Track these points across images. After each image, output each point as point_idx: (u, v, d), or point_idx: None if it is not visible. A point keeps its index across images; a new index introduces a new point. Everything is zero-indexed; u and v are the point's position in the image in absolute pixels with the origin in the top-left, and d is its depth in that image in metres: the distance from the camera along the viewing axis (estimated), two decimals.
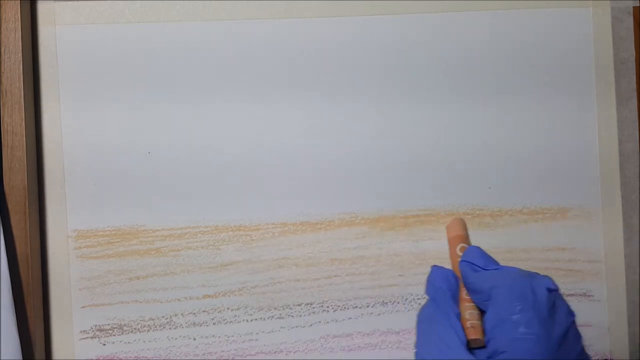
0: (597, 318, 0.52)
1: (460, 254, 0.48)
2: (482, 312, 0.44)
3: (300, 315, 0.51)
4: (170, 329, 0.51)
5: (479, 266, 0.46)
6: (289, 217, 0.52)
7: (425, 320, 0.44)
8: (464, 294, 0.46)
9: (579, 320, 0.51)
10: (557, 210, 0.52)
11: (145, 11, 0.52)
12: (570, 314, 0.42)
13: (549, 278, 0.43)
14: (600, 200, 0.52)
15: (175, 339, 0.51)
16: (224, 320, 0.51)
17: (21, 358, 0.46)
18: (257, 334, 0.51)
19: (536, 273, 0.44)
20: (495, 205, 0.52)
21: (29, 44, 0.50)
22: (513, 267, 0.46)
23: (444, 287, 0.45)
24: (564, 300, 0.43)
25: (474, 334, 0.43)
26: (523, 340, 0.39)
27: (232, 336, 0.51)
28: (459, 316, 0.44)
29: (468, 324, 0.43)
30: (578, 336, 0.42)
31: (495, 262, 0.47)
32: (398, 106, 0.52)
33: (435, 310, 0.44)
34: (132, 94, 0.51)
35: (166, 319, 0.51)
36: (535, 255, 0.52)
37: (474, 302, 0.45)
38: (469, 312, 0.44)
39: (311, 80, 0.52)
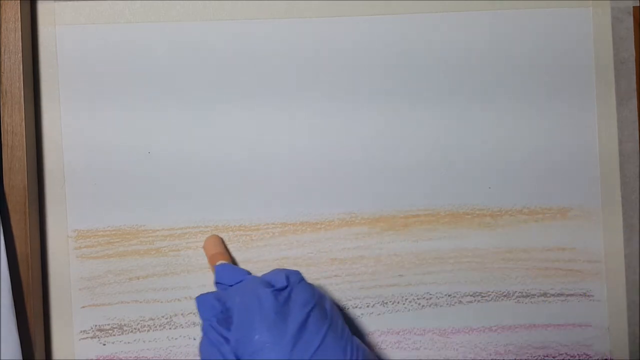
0: (597, 318, 0.52)
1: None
2: None
3: None
4: (170, 329, 0.51)
5: (226, 284, 0.45)
6: (289, 217, 0.52)
7: (204, 357, 0.42)
8: None
9: (579, 320, 0.51)
10: (557, 210, 0.52)
11: (145, 11, 0.52)
12: (307, 303, 0.41)
13: (286, 273, 0.43)
14: (600, 200, 0.52)
15: (175, 339, 0.51)
16: None
17: (21, 358, 0.46)
18: None
19: (279, 271, 0.44)
20: (495, 205, 0.52)
21: (29, 44, 0.50)
22: (250, 277, 0.45)
23: (209, 316, 0.43)
24: (304, 290, 0.42)
25: None
26: (260, 351, 0.39)
27: None
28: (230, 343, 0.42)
29: None
30: (321, 320, 0.41)
31: (242, 275, 0.45)
32: (398, 106, 0.52)
33: (207, 344, 0.42)
34: (132, 93, 0.51)
35: (166, 319, 0.51)
36: (535, 255, 0.52)
37: None
38: None
39: (312, 80, 0.52)
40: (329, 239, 0.52)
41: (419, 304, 0.52)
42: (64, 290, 0.51)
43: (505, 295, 0.52)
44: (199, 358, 0.43)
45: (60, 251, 0.51)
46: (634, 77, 0.52)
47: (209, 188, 0.51)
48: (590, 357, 0.52)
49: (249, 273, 0.47)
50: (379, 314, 0.52)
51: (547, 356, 0.52)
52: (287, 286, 0.42)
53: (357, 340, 0.42)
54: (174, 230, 0.51)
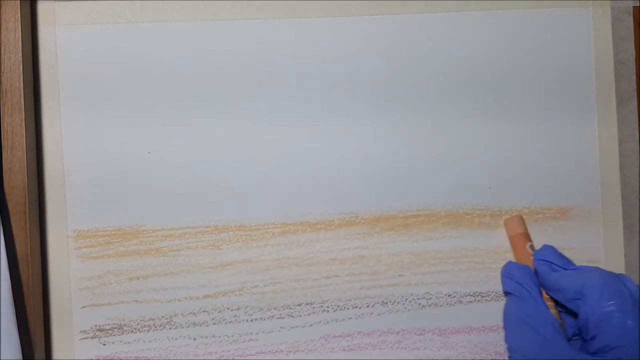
0: None
1: (532, 252, 0.49)
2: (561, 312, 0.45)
3: (300, 315, 0.51)
4: (170, 329, 0.51)
5: (558, 265, 0.46)
6: (289, 217, 0.52)
7: (518, 320, 0.45)
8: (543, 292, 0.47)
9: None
10: (557, 210, 0.52)
11: (145, 11, 0.52)
12: None
13: (629, 277, 0.45)
14: (600, 200, 0.52)
15: (175, 339, 0.51)
16: (224, 320, 0.51)
17: (21, 358, 0.46)
18: (257, 334, 0.51)
19: (612, 272, 0.45)
20: (495, 205, 0.52)
21: (29, 44, 0.50)
22: (593, 267, 0.46)
23: (530, 284, 0.46)
24: None
25: None
26: (633, 334, 0.40)
27: (232, 336, 0.51)
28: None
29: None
30: None
31: (572, 262, 0.47)
32: (398, 106, 0.52)
33: (527, 308, 0.44)
34: (133, 93, 0.51)
35: (166, 319, 0.51)
36: None
37: (552, 302, 0.46)
38: (551, 311, 0.46)
39: (312, 80, 0.52)
40: (329, 239, 0.52)
41: (419, 304, 0.52)
42: (64, 290, 0.51)
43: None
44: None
45: (60, 251, 0.51)
46: (634, 77, 0.52)
47: (208, 188, 0.51)
48: None
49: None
50: (379, 314, 0.52)
51: None
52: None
53: None
54: (174, 230, 0.51)
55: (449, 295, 0.52)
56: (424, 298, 0.52)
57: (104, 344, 0.51)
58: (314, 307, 0.51)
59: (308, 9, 0.52)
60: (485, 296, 0.52)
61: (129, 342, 0.51)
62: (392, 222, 0.52)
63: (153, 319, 0.51)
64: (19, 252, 0.48)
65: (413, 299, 0.52)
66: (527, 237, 0.50)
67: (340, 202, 0.52)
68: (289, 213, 0.52)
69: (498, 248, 0.52)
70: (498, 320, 0.52)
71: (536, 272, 0.48)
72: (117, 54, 0.51)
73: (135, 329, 0.51)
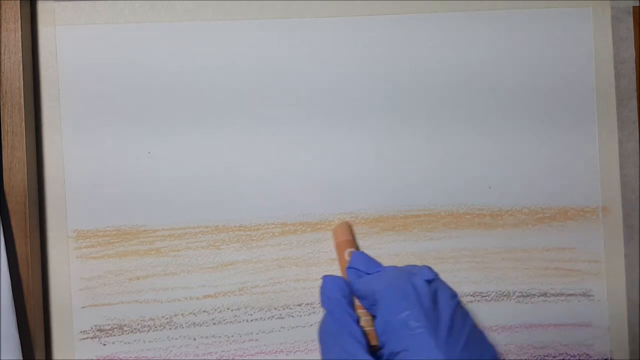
0: (597, 318, 0.52)
1: (349, 259, 0.48)
2: (374, 317, 0.44)
3: (300, 315, 0.51)
4: (170, 329, 0.51)
5: (362, 271, 0.46)
6: (289, 217, 0.52)
7: (326, 335, 0.44)
8: (356, 300, 0.46)
9: (579, 320, 0.51)
10: (557, 210, 0.52)
11: (145, 11, 0.52)
12: (453, 297, 0.43)
13: (428, 268, 0.45)
14: (600, 200, 0.52)
15: (175, 339, 0.51)
16: (224, 320, 0.51)
17: (21, 358, 0.46)
18: (257, 334, 0.51)
19: (413, 266, 0.46)
20: (495, 205, 0.52)
21: (29, 44, 0.50)
22: (392, 267, 0.47)
23: (339, 296, 0.45)
24: (444, 285, 0.44)
25: (370, 341, 0.43)
26: (415, 335, 0.40)
27: (232, 336, 0.51)
28: (358, 322, 0.44)
29: (364, 330, 0.44)
30: (465, 314, 0.43)
31: (379, 265, 0.47)
32: (398, 107, 0.52)
33: (334, 322, 0.43)
34: (132, 93, 0.51)
35: (166, 319, 0.51)
36: (535, 255, 0.52)
37: (365, 308, 0.45)
38: (363, 318, 0.45)
39: (312, 80, 0.52)
40: (329, 239, 0.52)
41: None
42: (64, 290, 0.51)
43: (505, 295, 0.52)
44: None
45: (60, 251, 0.51)
46: (634, 77, 0.52)
47: (209, 188, 0.51)
48: (590, 357, 0.52)
49: (381, 264, 0.48)
50: None
51: (547, 356, 0.52)
52: (434, 279, 0.44)
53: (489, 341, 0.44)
54: (174, 230, 0.51)
55: None
56: None
57: (104, 344, 0.51)
58: (314, 307, 0.51)
59: (308, 9, 0.52)
60: (485, 296, 0.52)
61: (129, 342, 0.51)
62: (392, 222, 0.52)
63: (153, 319, 0.51)
64: (19, 252, 0.48)
65: None
66: (348, 244, 0.49)
67: (340, 202, 0.52)
68: (289, 213, 0.52)
69: (498, 248, 0.52)
70: (498, 320, 0.52)
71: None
72: (117, 53, 0.51)
73: (135, 329, 0.51)
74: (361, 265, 0.47)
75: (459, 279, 0.52)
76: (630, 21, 0.52)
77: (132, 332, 0.51)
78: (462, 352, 0.40)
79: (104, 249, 0.51)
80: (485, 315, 0.52)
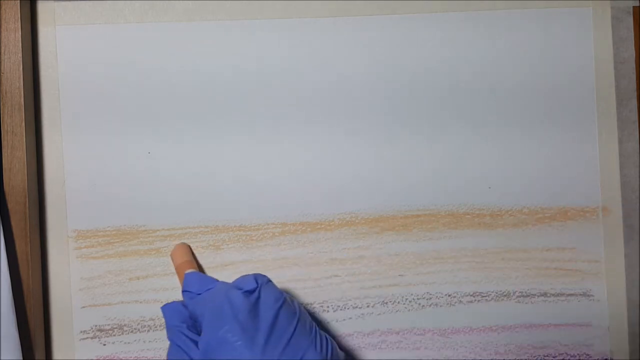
0: (597, 318, 0.52)
1: None
2: None
3: None
4: None
5: (194, 292, 0.46)
6: (289, 217, 0.52)
7: None
8: None
9: (579, 320, 0.51)
10: (557, 210, 0.52)
11: (145, 11, 0.52)
12: (277, 300, 0.43)
13: (254, 276, 0.44)
14: (600, 200, 0.52)
15: None
16: None
17: (21, 358, 0.46)
18: None
19: (243, 277, 0.45)
20: (495, 205, 0.52)
21: (29, 44, 0.50)
22: (220, 283, 0.45)
23: (177, 323, 0.44)
24: (271, 289, 0.43)
25: None
26: (234, 349, 0.40)
27: None
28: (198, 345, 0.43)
29: None
30: (291, 315, 0.42)
31: (212, 283, 0.46)
32: (399, 106, 0.52)
33: (176, 352, 0.43)
34: (132, 93, 0.51)
35: None
36: (535, 255, 0.52)
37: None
38: None
39: (312, 80, 0.52)
40: (329, 239, 0.52)
41: (419, 304, 0.52)
42: (64, 290, 0.51)
43: (505, 295, 0.52)
44: None
45: (60, 251, 0.51)
46: (634, 77, 0.52)
47: (209, 188, 0.51)
48: (590, 357, 0.52)
49: (217, 281, 0.47)
50: (379, 314, 0.52)
51: (547, 356, 0.52)
52: (256, 288, 0.43)
53: (325, 335, 0.44)
54: (174, 230, 0.51)
55: (449, 295, 0.52)
56: (424, 298, 0.52)
57: (104, 344, 0.51)
58: (314, 307, 0.51)
59: (308, 9, 0.52)
60: (485, 296, 0.52)
61: (129, 342, 0.51)
62: (392, 222, 0.52)
63: (153, 319, 0.51)
64: (19, 252, 0.48)
65: (413, 298, 0.52)
66: (187, 265, 0.49)
67: (340, 202, 0.52)
68: (289, 213, 0.52)
69: (498, 248, 0.52)
70: (498, 320, 0.52)
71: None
72: (117, 53, 0.51)
73: (135, 329, 0.51)
74: (192, 286, 0.46)
75: (459, 279, 0.52)
76: (630, 21, 0.52)
77: (132, 332, 0.51)
78: (282, 355, 0.40)
79: (104, 249, 0.51)
80: (485, 315, 0.52)
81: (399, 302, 0.52)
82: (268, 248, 0.52)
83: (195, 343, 0.43)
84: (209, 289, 0.45)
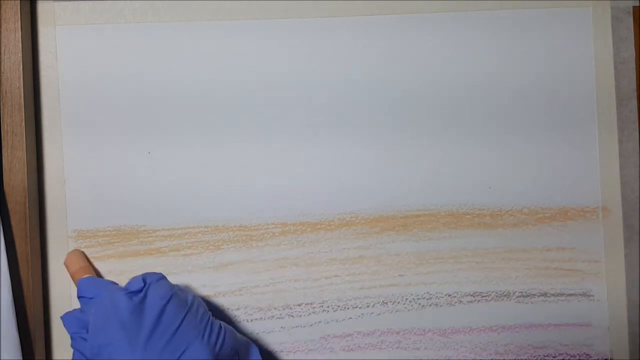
0: (597, 318, 0.52)
1: None
2: None
3: (300, 316, 0.51)
4: None
5: (88, 297, 0.45)
6: (289, 217, 0.52)
7: None
8: None
9: (579, 320, 0.51)
10: (557, 210, 0.52)
11: (145, 11, 0.52)
12: (162, 297, 0.43)
13: (142, 276, 0.44)
14: (600, 200, 0.52)
15: None
16: (224, 320, 0.51)
17: (21, 358, 0.46)
18: (257, 334, 0.51)
19: (134, 278, 0.45)
20: (495, 205, 0.52)
21: (29, 44, 0.50)
22: (108, 287, 0.45)
23: (77, 329, 0.44)
24: (159, 287, 0.44)
25: None
26: (117, 349, 0.41)
27: None
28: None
29: None
30: (178, 311, 0.43)
31: (105, 286, 0.46)
32: (399, 107, 0.52)
33: (76, 354, 0.43)
34: (132, 93, 0.51)
35: None
36: (535, 255, 0.52)
37: None
38: None
39: (312, 80, 0.52)
40: (329, 239, 0.52)
41: (419, 304, 0.52)
42: (64, 290, 0.51)
43: (505, 295, 0.52)
44: None
45: (60, 251, 0.51)
46: (634, 77, 0.52)
47: (208, 188, 0.51)
48: (590, 357, 0.52)
49: (114, 284, 0.47)
50: (379, 314, 0.52)
51: (547, 356, 0.52)
52: (143, 287, 0.44)
53: (220, 323, 0.44)
54: (174, 230, 0.51)
55: (449, 295, 0.52)
56: (424, 298, 0.52)
57: None
58: (314, 307, 0.52)
59: (308, 9, 0.52)
60: (485, 296, 0.52)
61: None
62: (392, 222, 0.52)
63: None
64: (19, 252, 0.48)
65: (413, 298, 0.52)
66: (82, 271, 0.48)
67: (340, 202, 0.52)
68: (289, 213, 0.52)
69: (498, 248, 0.52)
70: (498, 320, 0.52)
71: None
72: (117, 54, 0.51)
73: None
74: (86, 291, 0.46)
75: (459, 279, 0.52)
76: (630, 21, 0.52)
77: None
78: (163, 352, 0.41)
79: (104, 249, 0.51)
80: (485, 315, 0.52)
81: (398, 302, 0.52)
82: (268, 248, 0.52)
83: (83, 349, 0.43)
84: (99, 294, 0.45)
